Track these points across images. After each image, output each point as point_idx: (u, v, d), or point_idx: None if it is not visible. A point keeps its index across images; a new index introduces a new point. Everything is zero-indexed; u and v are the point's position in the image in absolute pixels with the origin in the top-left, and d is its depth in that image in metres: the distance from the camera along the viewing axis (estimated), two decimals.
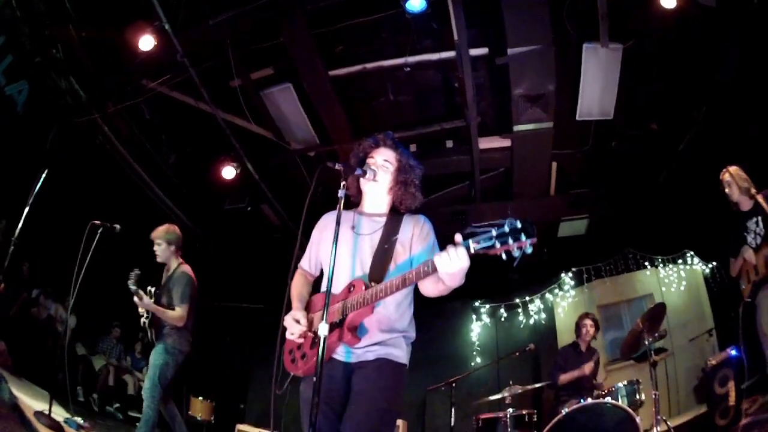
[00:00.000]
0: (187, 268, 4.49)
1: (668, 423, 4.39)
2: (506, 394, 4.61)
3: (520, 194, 6.65)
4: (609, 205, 6.94)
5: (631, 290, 7.28)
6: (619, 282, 7.17)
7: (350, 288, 2.33)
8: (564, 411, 3.95)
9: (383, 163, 2.52)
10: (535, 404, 5.95)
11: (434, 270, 2.00)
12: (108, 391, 7.64)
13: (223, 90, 5.88)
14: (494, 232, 1.85)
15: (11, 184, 4.73)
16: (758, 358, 4.10)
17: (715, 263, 6.48)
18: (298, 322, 2.33)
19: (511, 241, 1.82)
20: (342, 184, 2.33)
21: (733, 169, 4.26)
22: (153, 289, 4.48)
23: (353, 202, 2.62)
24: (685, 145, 5.85)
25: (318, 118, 5.93)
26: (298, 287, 2.58)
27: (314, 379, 1.95)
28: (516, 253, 1.84)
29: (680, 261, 6.89)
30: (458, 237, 1.95)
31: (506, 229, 1.83)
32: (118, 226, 4.45)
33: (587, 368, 4.97)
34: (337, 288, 2.35)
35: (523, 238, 1.81)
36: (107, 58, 5.56)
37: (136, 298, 4.26)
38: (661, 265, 6.93)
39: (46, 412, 3.99)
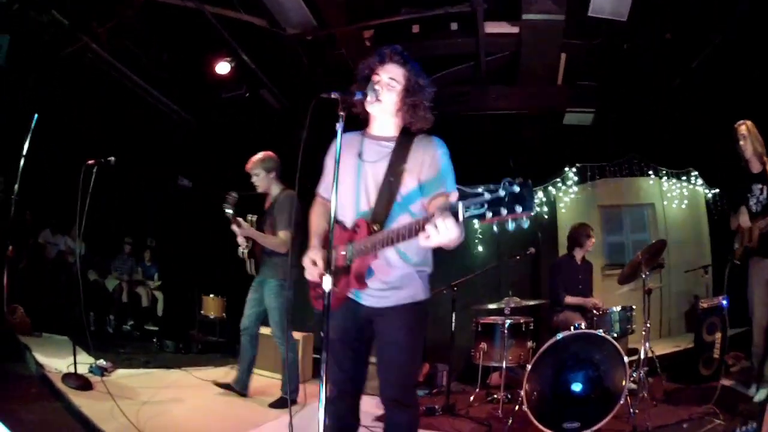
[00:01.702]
0: (292, 192, 4.39)
1: (654, 353, 4.60)
2: (505, 306, 4.69)
3: (526, 80, 6.47)
4: (616, 104, 6.77)
5: (633, 196, 7.30)
6: (623, 185, 7.16)
7: (355, 228, 2.24)
8: (559, 336, 4.08)
9: (388, 81, 2.29)
10: (531, 309, 6.12)
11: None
12: (123, 308, 7.98)
13: None
14: (487, 197, 1.62)
15: (5, 140, 4.56)
16: (743, 312, 4.23)
17: (717, 190, 6.46)
18: (314, 263, 2.28)
19: (504, 211, 1.59)
20: (340, 116, 2.07)
21: (750, 124, 4.06)
22: (254, 218, 4.47)
23: (362, 119, 2.44)
24: (699, 64, 5.59)
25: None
26: (316, 219, 2.48)
27: (329, 322, 1.96)
28: (509, 226, 1.64)
29: (684, 178, 6.87)
30: (448, 202, 1.74)
31: (501, 194, 1.60)
32: (112, 159, 4.30)
33: (590, 303, 5.01)
34: (346, 220, 2.32)
35: (518, 209, 1.58)
36: None
37: (234, 226, 4.27)
38: (665, 177, 6.90)
39: (72, 370, 4.19)
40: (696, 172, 6.83)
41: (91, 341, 4.85)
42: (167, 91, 6.94)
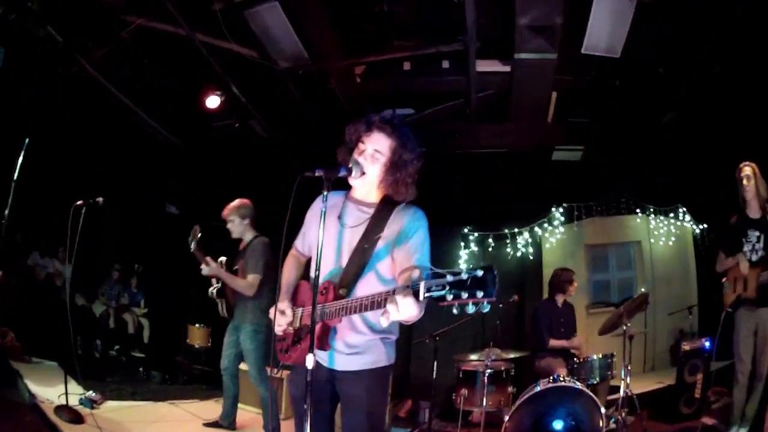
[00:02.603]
0: (265, 239, 4.50)
1: (633, 393, 4.61)
2: (486, 359, 4.70)
3: (517, 117, 6.44)
4: (606, 141, 6.73)
5: (620, 234, 7.32)
6: (609, 224, 7.16)
7: (323, 291, 2.23)
8: (538, 388, 4.13)
9: (373, 153, 2.24)
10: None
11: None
12: (109, 334, 8.01)
13: (206, 16, 5.32)
14: (449, 279, 1.65)
15: None
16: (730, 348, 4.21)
17: (705, 225, 6.51)
18: (283, 313, 2.32)
19: (465, 295, 1.61)
20: (324, 195, 2.08)
21: (755, 166, 4.01)
22: (224, 259, 4.50)
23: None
24: (689, 100, 5.61)
25: (308, 34, 5.50)
26: (287, 272, 2.52)
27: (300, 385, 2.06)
28: (470, 309, 1.65)
29: (671, 215, 6.91)
30: (411, 282, 1.81)
31: (464, 277, 1.62)
32: (100, 199, 4.36)
33: (576, 341, 5.15)
34: (322, 278, 2.32)
35: (479, 294, 1.60)
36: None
37: (203, 265, 4.29)
38: (652, 214, 6.93)
39: (63, 401, 4.27)
40: (684, 209, 6.87)
41: (79, 367, 4.95)
42: (157, 116, 6.88)
